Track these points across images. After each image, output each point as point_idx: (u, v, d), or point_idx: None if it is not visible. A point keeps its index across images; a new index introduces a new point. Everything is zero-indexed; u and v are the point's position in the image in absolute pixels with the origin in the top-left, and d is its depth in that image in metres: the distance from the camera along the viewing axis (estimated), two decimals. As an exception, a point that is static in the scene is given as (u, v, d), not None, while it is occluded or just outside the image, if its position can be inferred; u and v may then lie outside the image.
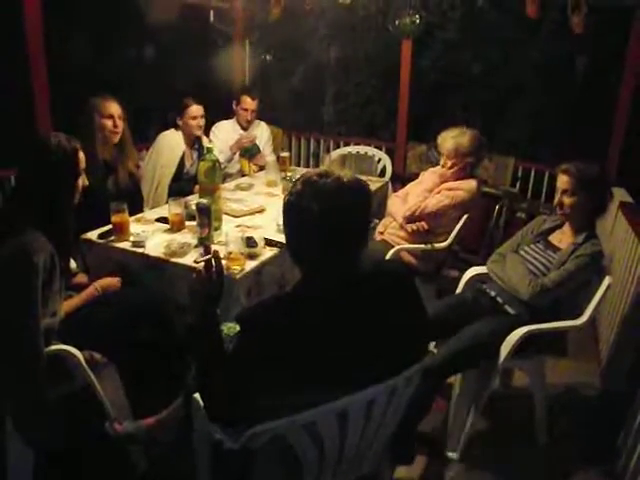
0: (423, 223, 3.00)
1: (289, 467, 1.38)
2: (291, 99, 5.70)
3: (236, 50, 5.26)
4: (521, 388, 2.68)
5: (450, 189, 3.02)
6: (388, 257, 2.85)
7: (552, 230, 2.42)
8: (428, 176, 3.18)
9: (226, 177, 3.82)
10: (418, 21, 4.15)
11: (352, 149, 4.68)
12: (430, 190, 3.08)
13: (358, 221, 1.35)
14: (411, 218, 3.03)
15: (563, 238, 2.34)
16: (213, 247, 2.19)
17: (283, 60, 5.75)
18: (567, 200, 2.24)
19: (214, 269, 1.48)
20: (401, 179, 4.30)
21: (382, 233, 3.17)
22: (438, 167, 3.18)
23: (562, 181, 2.26)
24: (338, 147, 4.98)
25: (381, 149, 4.72)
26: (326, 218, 1.28)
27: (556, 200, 2.29)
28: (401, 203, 3.18)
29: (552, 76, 4.53)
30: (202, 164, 2.63)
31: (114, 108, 2.83)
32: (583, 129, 4.44)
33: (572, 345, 2.77)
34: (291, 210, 1.34)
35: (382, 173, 4.40)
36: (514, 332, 2.15)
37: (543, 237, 2.42)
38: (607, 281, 2.21)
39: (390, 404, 1.38)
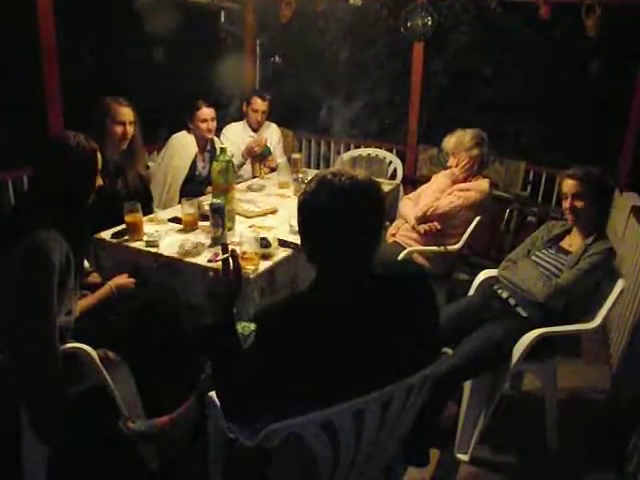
0: (435, 223, 2.99)
1: (304, 469, 1.39)
2: (302, 101, 5.70)
3: (246, 51, 5.26)
4: (532, 391, 2.68)
5: (462, 190, 3.03)
6: (400, 258, 2.85)
7: (562, 236, 2.44)
8: (440, 178, 3.19)
9: (237, 180, 3.82)
10: (430, 23, 4.15)
11: (363, 151, 4.67)
12: (442, 191, 3.08)
13: (373, 219, 1.35)
14: (423, 218, 3.03)
15: (573, 242, 2.36)
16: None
17: (294, 62, 5.76)
18: (579, 203, 2.26)
19: (232, 267, 1.49)
20: (412, 182, 4.30)
21: (394, 235, 3.18)
22: (449, 170, 3.18)
23: (570, 185, 2.27)
24: (349, 149, 4.97)
25: (392, 152, 4.70)
26: (341, 216, 1.29)
27: (567, 204, 2.29)
28: (413, 205, 3.18)
29: (565, 79, 4.52)
30: (216, 164, 2.63)
31: (126, 114, 2.77)
32: (595, 133, 4.43)
33: (583, 349, 2.76)
34: (306, 208, 1.35)
35: (393, 176, 4.39)
36: (526, 335, 2.15)
37: (554, 242, 2.43)
38: (620, 285, 2.21)
39: (405, 404, 1.38)
